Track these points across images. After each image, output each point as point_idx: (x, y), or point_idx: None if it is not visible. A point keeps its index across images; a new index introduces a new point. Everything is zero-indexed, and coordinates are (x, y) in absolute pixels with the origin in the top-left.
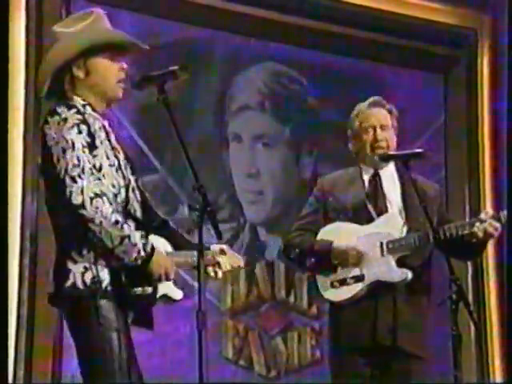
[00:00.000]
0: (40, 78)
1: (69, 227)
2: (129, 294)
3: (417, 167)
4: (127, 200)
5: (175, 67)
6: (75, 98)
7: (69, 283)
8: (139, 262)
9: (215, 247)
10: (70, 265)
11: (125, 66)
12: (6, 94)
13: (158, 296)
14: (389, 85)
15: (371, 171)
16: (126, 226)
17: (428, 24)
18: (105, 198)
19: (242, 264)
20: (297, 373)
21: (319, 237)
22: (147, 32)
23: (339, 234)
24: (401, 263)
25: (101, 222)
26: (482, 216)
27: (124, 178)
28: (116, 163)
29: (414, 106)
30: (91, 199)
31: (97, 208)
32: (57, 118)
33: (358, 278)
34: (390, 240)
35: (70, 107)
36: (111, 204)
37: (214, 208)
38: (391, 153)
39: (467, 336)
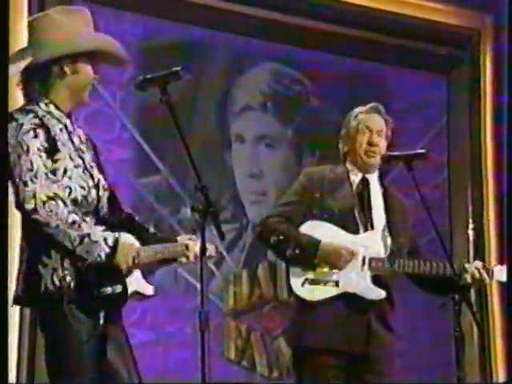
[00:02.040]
0: (33, 59)
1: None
2: (98, 294)
3: (419, 168)
4: (98, 199)
5: (177, 68)
6: (42, 95)
7: (42, 288)
8: (103, 258)
9: (183, 237)
10: (41, 269)
11: (97, 76)
12: (7, 96)
13: (129, 293)
14: (391, 85)
15: (360, 175)
16: (84, 224)
17: (430, 24)
18: (59, 200)
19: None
20: None
21: (302, 230)
22: (149, 33)
23: (324, 234)
24: (376, 281)
25: (57, 225)
26: (476, 263)
27: (92, 177)
28: (81, 164)
29: (417, 107)
30: (44, 203)
31: (51, 211)
32: (14, 123)
33: (332, 284)
34: (373, 257)
35: (27, 112)
36: (66, 205)
37: (217, 208)
38: (394, 153)
39: (470, 337)
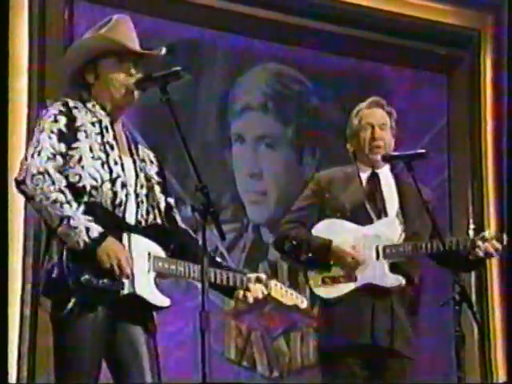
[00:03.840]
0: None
1: None
2: (77, 282)
3: (420, 168)
4: (114, 193)
5: (177, 68)
6: (91, 100)
7: (43, 278)
8: (81, 246)
9: (252, 275)
10: (46, 261)
11: (133, 71)
12: (7, 97)
13: (123, 294)
14: (391, 85)
15: (369, 171)
16: (67, 206)
17: (430, 24)
18: (47, 175)
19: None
20: (299, 373)
21: (315, 232)
22: (149, 33)
23: (336, 231)
24: (395, 268)
25: (41, 200)
26: (486, 235)
27: (111, 172)
28: (103, 158)
29: (417, 107)
30: (33, 176)
31: (37, 185)
32: (44, 111)
33: (351, 279)
34: (387, 245)
35: (59, 102)
36: (54, 183)
37: (217, 208)
38: (394, 153)
39: (470, 336)
